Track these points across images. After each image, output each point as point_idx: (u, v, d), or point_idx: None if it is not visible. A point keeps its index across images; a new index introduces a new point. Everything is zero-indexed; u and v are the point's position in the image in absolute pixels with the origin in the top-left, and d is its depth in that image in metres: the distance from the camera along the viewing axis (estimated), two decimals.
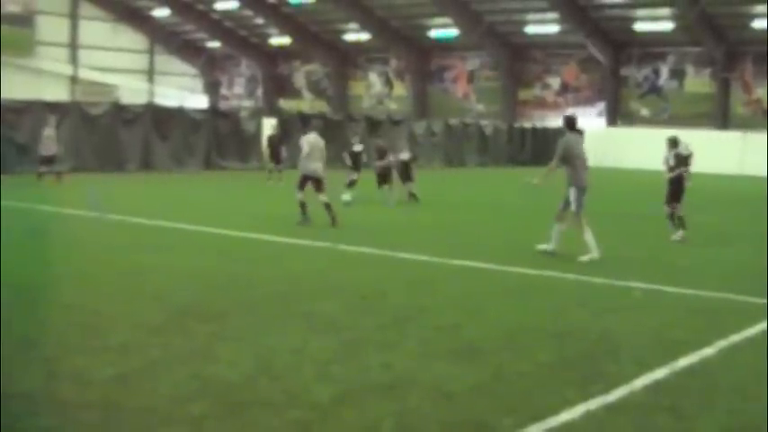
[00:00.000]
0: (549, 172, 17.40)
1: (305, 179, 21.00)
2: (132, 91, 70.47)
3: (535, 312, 11.77)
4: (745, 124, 62.84)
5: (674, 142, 21.23)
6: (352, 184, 26.62)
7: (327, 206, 20.73)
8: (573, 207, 16.96)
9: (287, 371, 8.52)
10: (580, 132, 18.15)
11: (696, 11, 58.56)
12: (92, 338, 9.46)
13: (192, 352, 9.02)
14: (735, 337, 10.49)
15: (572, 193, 16.94)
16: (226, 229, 19.42)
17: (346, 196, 25.49)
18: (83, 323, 10.16)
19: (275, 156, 35.35)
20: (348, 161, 27.74)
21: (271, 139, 36.27)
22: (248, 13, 75.78)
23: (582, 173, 17.08)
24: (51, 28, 71.75)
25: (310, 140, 21.22)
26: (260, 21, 77.53)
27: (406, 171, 27.94)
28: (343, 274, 14.38)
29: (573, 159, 17.01)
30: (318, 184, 20.93)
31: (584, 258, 16.49)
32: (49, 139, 30.45)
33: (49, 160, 30.29)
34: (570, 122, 17.59)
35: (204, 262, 15.06)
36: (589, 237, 16.72)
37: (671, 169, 20.82)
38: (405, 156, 28.44)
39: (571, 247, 18.47)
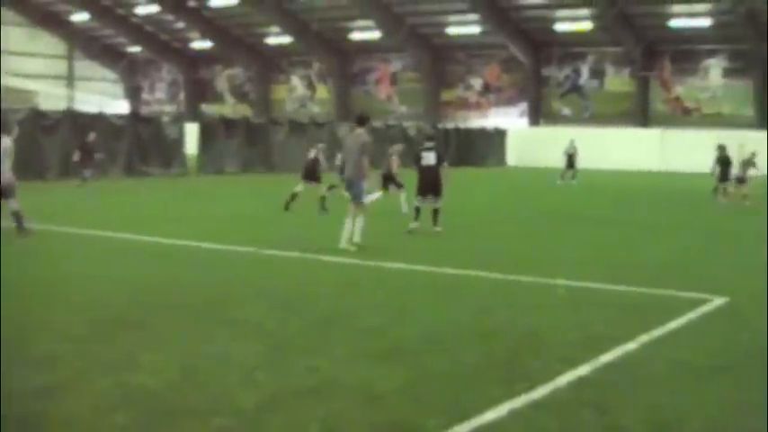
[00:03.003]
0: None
1: None
2: (52, 97, 69.64)
3: (462, 312, 11.80)
4: (665, 121, 63.90)
5: (428, 137, 22.34)
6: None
7: None
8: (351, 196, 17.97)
9: (211, 377, 8.45)
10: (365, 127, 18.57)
11: (614, 11, 59.41)
12: (15, 351, 9.30)
13: (117, 361, 8.91)
14: (657, 332, 10.60)
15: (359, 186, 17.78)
16: (152, 236, 19.23)
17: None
18: (6, 336, 9.99)
19: (85, 161, 33.92)
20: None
21: (86, 144, 34.63)
22: (169, 17, 75.35)
23: (347, 166, 17.99)
24: None
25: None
26: (181, 25, 77.15)
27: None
28: (270, 279, 14.33)
29: (344, 153, 18.29)
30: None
31: (352, 246, 17.42)
32: None
33: None
34: (358, 119, 18.38)
35: (130, 269, 14.90)
36: (350, 226, 17.56)
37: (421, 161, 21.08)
38: None
39: (494, 246, 18.66)
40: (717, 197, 32.78)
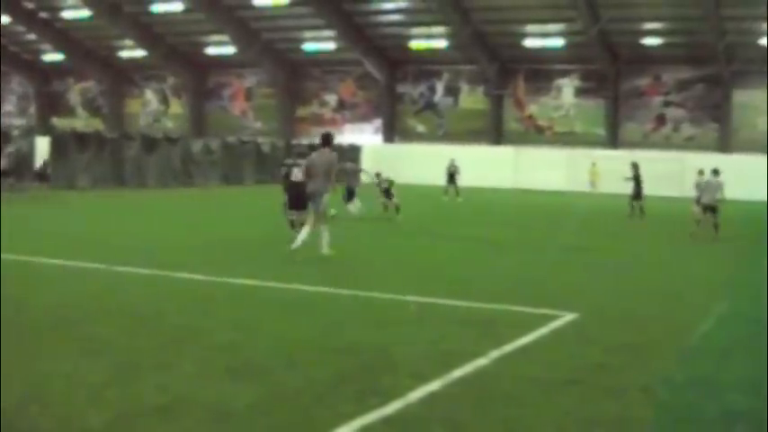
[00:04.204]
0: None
1: None
2: None
3: (314, 328, 11.78)
4: (518, 139, 65.01)
5: (299, 154, 23.99)
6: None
7: None
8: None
9: (58, 397, 8.25)
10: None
11: (469, 29, 60.17)
12: None
13: None
14: (508, 347, 10.73)
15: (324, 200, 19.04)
16: None
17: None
18: None
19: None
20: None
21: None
22: (20, 28, 73.66)
23: (314, 181, 19.24)
24: None
25: None
26: (32, 36, 75.51)
27: None
28: (121, 296, 14.06)
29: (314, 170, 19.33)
30: None
31: (324, 251, 18.71)
32: None
33: None
34: (323, 138, 20.21)
35: None
36: (303, 232, 18.84)
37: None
38: None
39: (349, 262, 18.69)
40: (633, 214, 34.23)
